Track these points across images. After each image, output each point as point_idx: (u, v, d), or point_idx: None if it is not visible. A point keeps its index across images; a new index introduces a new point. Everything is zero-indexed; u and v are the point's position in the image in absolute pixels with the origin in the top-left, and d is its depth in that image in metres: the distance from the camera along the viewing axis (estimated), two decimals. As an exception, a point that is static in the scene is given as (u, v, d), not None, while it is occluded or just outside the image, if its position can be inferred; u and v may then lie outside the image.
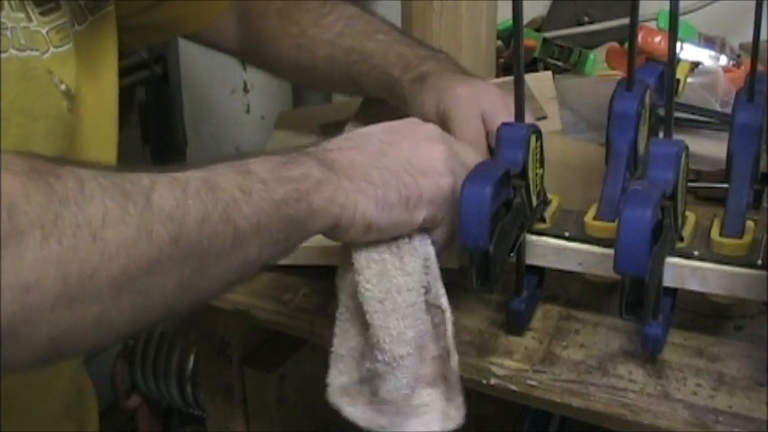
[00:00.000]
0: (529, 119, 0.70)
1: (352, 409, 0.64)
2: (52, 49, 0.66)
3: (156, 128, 1.68)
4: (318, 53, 0.89)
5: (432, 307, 0.63)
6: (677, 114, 0.79)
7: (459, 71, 0.84)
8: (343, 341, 0.64)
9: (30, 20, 0.64)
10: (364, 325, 0.62)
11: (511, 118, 0.67)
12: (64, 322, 0.44)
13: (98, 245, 0.45)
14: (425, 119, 0.70)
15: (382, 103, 1.00)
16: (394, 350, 0.61)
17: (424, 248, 0.63)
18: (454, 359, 0.62)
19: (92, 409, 0.85)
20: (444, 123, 0.77)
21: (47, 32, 0.65)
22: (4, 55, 0.60)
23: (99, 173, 0.47)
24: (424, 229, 0.63)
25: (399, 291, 0.61)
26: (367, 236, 0.60)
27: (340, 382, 0.64)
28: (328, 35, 0.88)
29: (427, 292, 0.63)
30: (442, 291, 0.63)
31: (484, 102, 0.78)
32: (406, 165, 0.61)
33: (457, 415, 0.62)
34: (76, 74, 0.67)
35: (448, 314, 0.63)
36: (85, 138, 0.70)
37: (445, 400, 0.63)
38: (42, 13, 0.65)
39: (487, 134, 0.77)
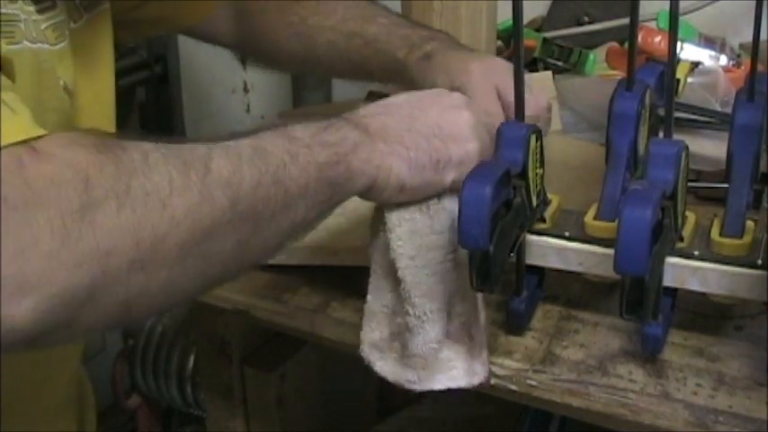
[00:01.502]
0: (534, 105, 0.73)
1: (382, 364, 0.67)
2: (48, 47, 0.66)
3: (156, 128, 1.68)
4: (320, 40, 0.89)
5: (459, 266, 0.65)
6: (677, 114, 0.79)
7: (464, 48, 0.85)
8: (376, 297, 0.67)
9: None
10: (396, 281, 0.65)
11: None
12: (137, 286, 0.47)
13: (167, 211, 0.47)
14: None
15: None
16: (424, 305, 0.64)
17: (452, 207, 0.65)
18: (482, 316, 0.66)
19: (90, 406, 0.85)
20: None
21: (43, 30, 0.65)
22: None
23: (160, 145, 0.50)
24: (453, 190, 0.65)
25: (429, 248, 0.64)
26: (400, 196, 0.63)
27: (372, 338, 0.67)
28: (329, 22, 0.89)
29: (455, 250, 0.65)
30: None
31: (497, 76, 0.79)
32: (435, 129, 0.64)
33: (482, 370, 0.66)
34: (74, 72, 0.68)
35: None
36: None
37: (470, 356, 0.66)
38: (39, 11, 0.65)
39: (503, 107, 0.78)
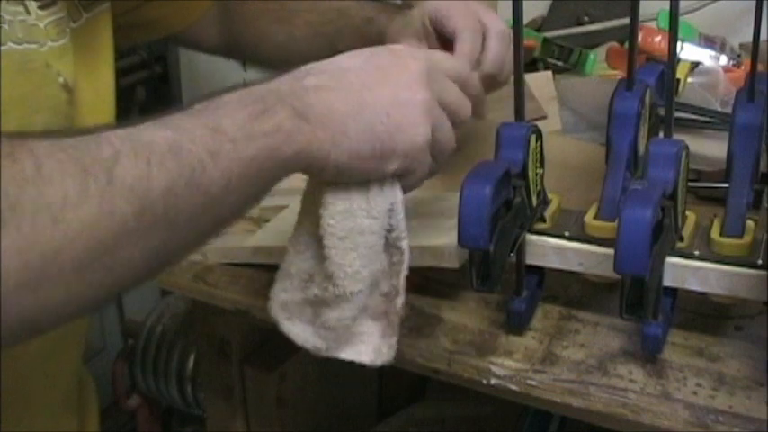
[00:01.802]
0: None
1: (290, 325, 0.65)
2: (50, 43, 0.66)
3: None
4: (297, 22, 0.89)
5: (392, 247, 0.64)
6: (677, 114, 0.79)
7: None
8: (295, 262, 0.65)
9: (28, 13, 0.64)
10: (320, 255, 0.63)
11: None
12: (31, 306, 0.44)
13: (59, 227, 0.44)
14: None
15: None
16: (347, 286, 0.62)
17: (392, 193, 0.63)
18: (400, 300, 0.64)
19: (92, 404, 0.85)
20: (442, 36, 0.79)
21: (45, 26, 0.65)
22: (3, 48, 0.60)
23: (58, 148, 0.46)
24: (396, 176, 0.63)
25: (362, 232, 0.62)
26: (337, 179, 0.60)
27: (283, 299, 0.65)
28: (306, 3, 0.88)
29: (390, 231, 0.63)
30: (405, 233, 0.64)
31: (480, 13, 0.80)
32: (383, 117, 0.59)
33: (388, 353, 0.65)
34: (74, 69, 0.68)
35: (406, 255, 0.63)
36: None
37: (382, 336, 0.65)
38: (41, 7, 0.65)
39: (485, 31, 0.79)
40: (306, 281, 0.64)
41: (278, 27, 0.90)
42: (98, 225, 0.46)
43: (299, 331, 0.65)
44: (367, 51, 0.62)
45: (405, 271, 0.64)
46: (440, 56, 0.69)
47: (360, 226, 0.61)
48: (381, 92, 0.59)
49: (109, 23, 0.75)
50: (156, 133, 0.50)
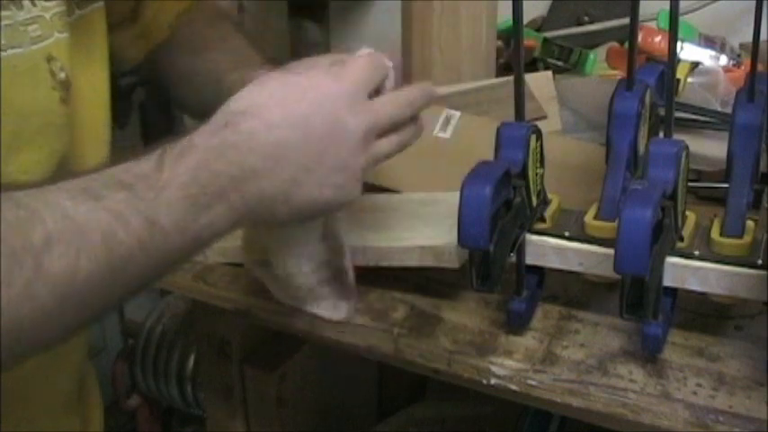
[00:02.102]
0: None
1: (260, 275, 0.75)
2: (56, 35, 0.65)
3: (156, 128, 1.68)
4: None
5: (329, 238, 0.71)
6: (677, 114, 0.79)
7: None
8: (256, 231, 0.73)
9: (34, 5, 0.63)
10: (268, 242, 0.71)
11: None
12: None
13: None
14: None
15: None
16: (297, 278, 0.71)
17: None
18: (350, 275, 0.73)
19: (95, 405, 0.85)
20: None
21: (51, 17, 0.65)
22: None
23: None
24: None
25: (299, 243, 0.70)
26: None
27: (253, 255, 0.75)
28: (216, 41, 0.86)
29: (324, 226, 0.70)
30: (340, 229, 0.71)
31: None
32: (317, 194, 0.60)
33: (346, 309, 0.74)
34: (70, 59, 0.68)
35: (344, 246, 0.72)
36: (81, 130, 0.70)
37: (338, 297, 0.74)
38: None
39: None
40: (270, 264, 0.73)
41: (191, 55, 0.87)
42: (18, 307, 0.47)
43: (275, 291, 0.75)
44: (304, 108, 0.59)
45: (347, 255, 0.72)
46: (360, 70, 0.63)
47: (297, 234, 0.69)
48: (318, 171, 0.59)
49: (103, 23, 0.75)
50: (92, 216, 0.51)
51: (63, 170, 0.66)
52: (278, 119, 0.58)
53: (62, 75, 0.66)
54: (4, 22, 0.61)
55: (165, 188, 0.54)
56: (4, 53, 0.61)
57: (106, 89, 0.75)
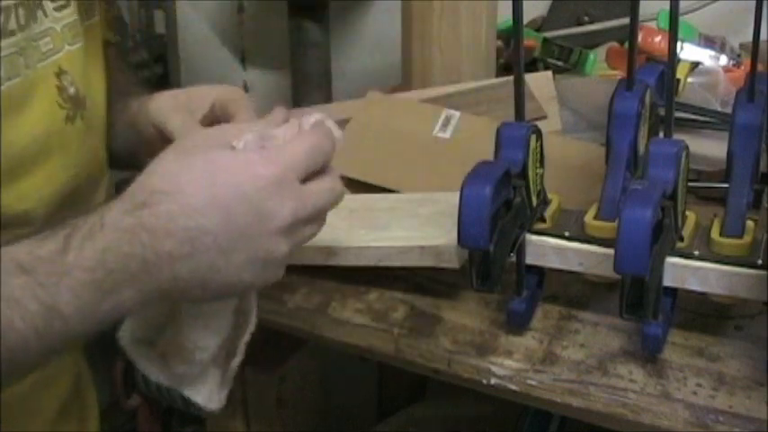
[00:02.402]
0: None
1: (138, 359, 0.68)
2: (67, 47, 0.65)
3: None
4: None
5: (240, 313, 0.65)
6: (677, 114, 0.79)
7: None
8: (151, 313, 0.66)
9: (45, 15, 0.63)
10: (172, 312, 0.64)
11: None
12: None
13: None
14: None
15: (383, 101, 1.00)
16: (195, 355, 0.64)
17: None
18: (237, 360, 0.66)
19: (91, 405, 0.85)
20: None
21: (61, 29, 0.65)
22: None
23: None
24: None
25: (214, 314, 0.63)
26: None
27: (133, 335, 0.67)
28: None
29: (240, 299, 0.64)
30: (254, 303, 0.65)
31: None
32: (235, 279, 0.57)
33: (219, 401, 0.67)
34: (84, 68, 0.67)
35: (250, 325, 0.66)
36: (87, 148, 0.69)
37: (219, 384, 0.67)
38: (57, 9, 0.64)
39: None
40: (156, 327, 0.66)
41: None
42: None
43: (145, 368, 0.67)
44: (228, 193, 0.56)
45: (247, 336, 0.66)
46: (296, 155, 0.59)
47: (212, 307, 0.63)
48: (238, 257, 0.56)
49: (99, 37, 0.75)
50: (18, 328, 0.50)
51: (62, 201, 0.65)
52: (200, 204, 0.54)
53: (72, 89, 0.65)
54: (4, 52, 0.60)
55: (69, 273, 0.52)
56: (3, 86, 0.59)
57: (105, 105, 0.75)
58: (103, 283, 0.52)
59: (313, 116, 0.63)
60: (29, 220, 0.63)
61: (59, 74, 0.65)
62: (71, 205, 0.67)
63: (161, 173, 0.56)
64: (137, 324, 0.65)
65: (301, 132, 0.61)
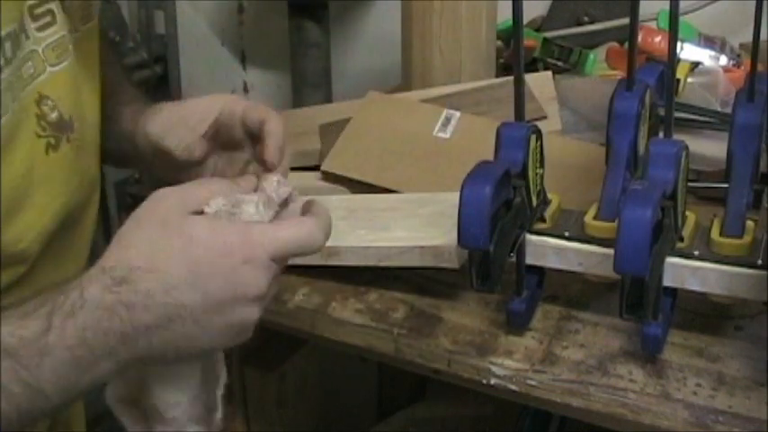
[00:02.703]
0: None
1: (120, 416, 0.65)
2: (49, 69, 0.63)
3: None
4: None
5: (209, 368, 0.65)
6: (677, 114, 0.78)
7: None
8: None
9: (27, 37, 0.62)
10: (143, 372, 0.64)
11: None
12: None
13: None
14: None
15: (383, 101, 1.00)
16: (167, 412, 0.64)
17: None
18: (218, 415, 0.66)
19: (77, 413, 0.84)
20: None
21: (43, 50, 0.63)
22: None
23: None
24: None
25: (180, 373, 0.64)
26: None
27: (118, 394, 0.65)
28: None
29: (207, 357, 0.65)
30: (221, 356, 0.66)
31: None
32: (214, 344, 0.60)
33: None
34: (72, 87, 0.66)
35: (221, 378, 0.66)
36: (81, 171, 0.69)
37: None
38: (39, 29, 0.63)
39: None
40: (139, 392, 0.65)
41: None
42: None
43: (129, 426, 0.66)
44: (206, 271, 0.57)
45: (221, 389, 0.66)
46: (281, 242, 0.60)
47: (178, 366, 0.63)
48: (213, 328, 0.58)
49: (96, 41, 0.74)
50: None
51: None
52: (177, 281, 0.56)
53: (54, 115, 0.64)
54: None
55: (51, 353, 0.53)
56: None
57: (99, 119, 0.74)
58: (84, 360, 0.54)
59: (275, 179, 0.65)
60: (24, 258, 0.64)
61: (39, 101, 0.63)
62: (63, 232, 0.67)
63: (139, 247, 0.57)
64: (118, 384, 0.65)
65: (298, 221, 0.62)
